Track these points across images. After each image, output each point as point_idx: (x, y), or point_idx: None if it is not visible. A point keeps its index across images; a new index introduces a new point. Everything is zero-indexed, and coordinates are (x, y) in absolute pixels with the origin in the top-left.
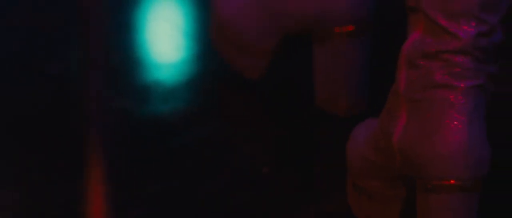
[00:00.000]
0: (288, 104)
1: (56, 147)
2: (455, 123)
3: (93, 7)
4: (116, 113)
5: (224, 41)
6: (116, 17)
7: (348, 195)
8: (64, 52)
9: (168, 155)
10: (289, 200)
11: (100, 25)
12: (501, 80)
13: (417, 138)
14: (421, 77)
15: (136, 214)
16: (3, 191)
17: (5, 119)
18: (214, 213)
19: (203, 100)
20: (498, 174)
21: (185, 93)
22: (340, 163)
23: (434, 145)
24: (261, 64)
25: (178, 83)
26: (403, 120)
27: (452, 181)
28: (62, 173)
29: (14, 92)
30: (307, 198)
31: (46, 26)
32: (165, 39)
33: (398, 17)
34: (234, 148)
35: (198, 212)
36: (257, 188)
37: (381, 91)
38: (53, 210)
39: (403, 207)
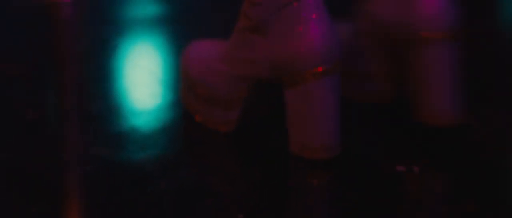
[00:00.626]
0: (264, 149)
1: (32, 193)
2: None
3: (71, 54)
4: (93, 159)
5: (194, 98)
6: (93, 65)
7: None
8: (42, 99)
9: (145, 202)
10: None
11: (77, 73)
12: None
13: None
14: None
15: None
16: None
17: None
18: None
19: (179, 147)
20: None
21: (162, 140)
22: (316, 209)
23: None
24: (233, 116)
25: (155, 130)
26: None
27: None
28: None
29: None
30: None
31: (24, 73)
32: (142, 86)
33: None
34: (210, 194)
35: None
36: None
37: (354, 131)
38: None
39: None
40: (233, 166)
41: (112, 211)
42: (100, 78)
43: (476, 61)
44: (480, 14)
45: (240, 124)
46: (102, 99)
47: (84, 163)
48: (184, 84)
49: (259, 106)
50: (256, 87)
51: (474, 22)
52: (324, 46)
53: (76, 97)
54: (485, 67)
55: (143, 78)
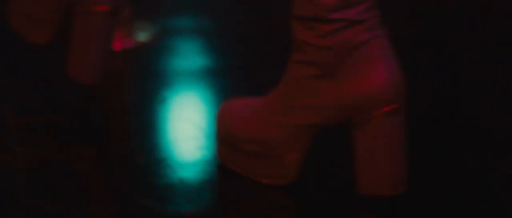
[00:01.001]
0: (323, 195)
1: None
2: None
3: (119, 106)
4: (140, 211)
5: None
6: (141, 117)
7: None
8: (90, 150)
9: None
10: None
11: (125, 124)
12: None
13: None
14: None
15: None
16: None
17: (30, 216)
18: None
19: (226, 199)
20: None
21: (208, 192)
22: None
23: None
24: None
25: (202, 183)
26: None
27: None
28: None
29: (39, 188)
30: None
31: (73, 124)
32: (188, 139)
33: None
34: None
35: None
36: None
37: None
38: None
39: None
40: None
41: None
42: (148, 130)
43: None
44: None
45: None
46: (150, 151)
47: (132, 214)
48: (222, 143)
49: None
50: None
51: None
52: (394, 85)
53: (124, 149)
54: None
55: (189, 131)
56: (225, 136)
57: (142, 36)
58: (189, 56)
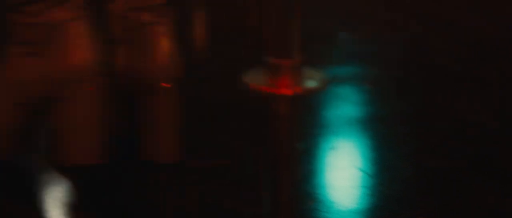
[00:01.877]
0: None
1: None
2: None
3: (286, 153)
4: None
5: None
6: (308, 163)
7: None
8: (257, 195)
9: None
10: None
11: (292, 170)
12: None
13: None
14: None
15: None
16: None
17: None
18: None
19: None
20: None
21: None
22: None
23: None
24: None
25: None
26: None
27: None
28: None
29: None
30: None
31: (240, 170)
32: (356, 186)
33: None
34: None
35: None
36: None
37: None
38: None
39: None
40: None
41: None
42: (316, 176)
43: None
44: None
45: None
46: (317, 197)
47: None
48: None
49: None
50: None
51: None
52: (89, 64)
53: (292, 194)
54: None
55: (357, 178)
56: None
57: (312, 83)
58: (356, 104)
